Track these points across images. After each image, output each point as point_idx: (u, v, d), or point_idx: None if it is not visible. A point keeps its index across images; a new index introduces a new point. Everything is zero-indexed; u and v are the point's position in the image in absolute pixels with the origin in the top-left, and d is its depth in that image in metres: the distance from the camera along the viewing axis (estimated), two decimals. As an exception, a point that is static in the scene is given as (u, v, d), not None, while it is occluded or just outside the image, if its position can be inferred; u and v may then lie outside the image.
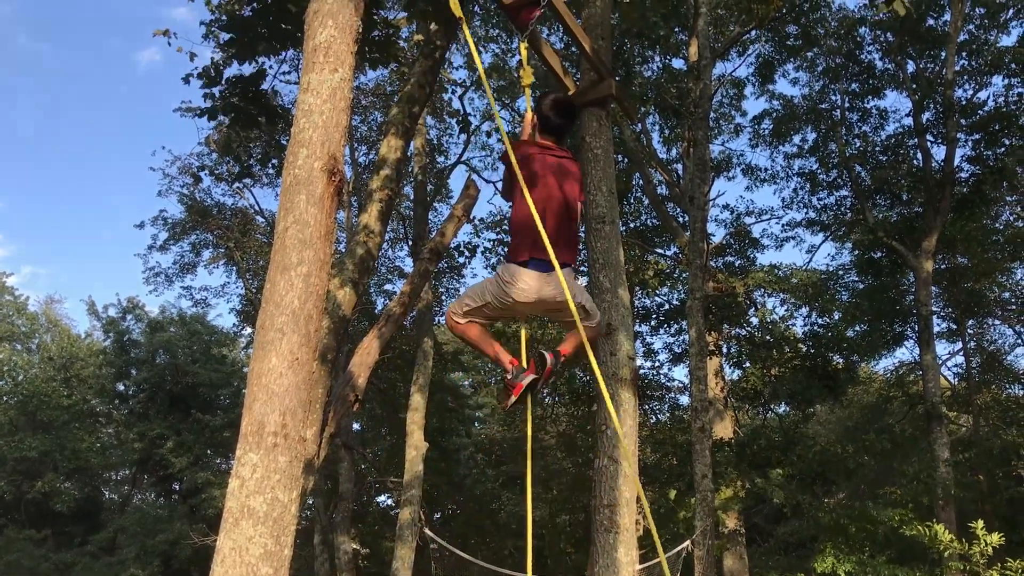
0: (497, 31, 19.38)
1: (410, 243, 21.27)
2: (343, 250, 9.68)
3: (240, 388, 30.57)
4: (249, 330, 24.80)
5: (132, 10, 62.19)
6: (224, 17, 8.37)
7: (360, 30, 3.84)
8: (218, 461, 30.07)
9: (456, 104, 21.19)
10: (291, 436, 3.01)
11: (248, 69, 8.47)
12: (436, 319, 22.16)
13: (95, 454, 29.92)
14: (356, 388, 7.54)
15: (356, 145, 22.38)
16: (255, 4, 7.89)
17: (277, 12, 7.85)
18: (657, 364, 22.61)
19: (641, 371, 21.12)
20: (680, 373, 34.32)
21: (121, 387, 31.35)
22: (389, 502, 28.35)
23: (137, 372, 30.59)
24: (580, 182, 4.49)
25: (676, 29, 18.99)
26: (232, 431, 27.27)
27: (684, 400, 22.05)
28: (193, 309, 29.46)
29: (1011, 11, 19.72)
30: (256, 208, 24.21)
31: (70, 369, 32.01)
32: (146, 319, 31.45)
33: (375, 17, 8.59)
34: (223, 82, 8.44)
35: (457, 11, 4.55)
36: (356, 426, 25.96)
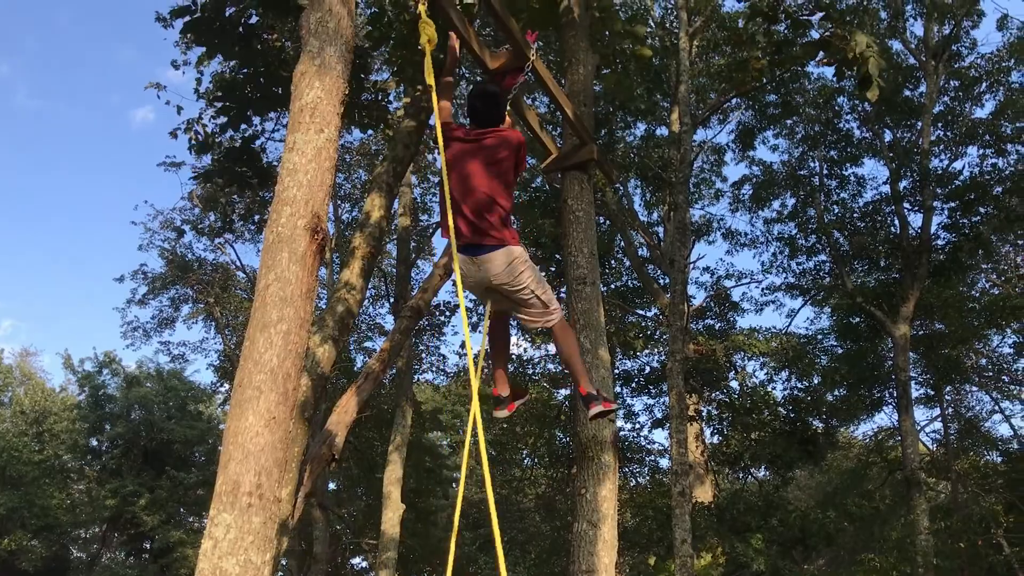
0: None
1: (391, 301, 21.26)
2: (324, 307, 9.66)
3: (216, 445, 30.16)
4: (227, 386, 24.58)
5: (129, 70, 63.05)
6: (218, 87, 8.52)
7: (347, 92, 3.89)
8: (191, 520, 29.53)
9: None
10: (266, 496, 2.97)
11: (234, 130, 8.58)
12: (415, 377, 22.05)
13: (64, 511, 29.32)
14: (333, 447, 7.46)
15: (339, 203, 22.49)
16: (246, 69, 8.01)
17: (268, 77, 7.97)
18: (638, 426, 22.51)
19: (621, 433, 21.03)
20: (660, 436, 34.21)
21: (94, 442, 30.86)
22: (364, 564, 27.89)
23: (111, 427, 30.14)
24: (507, 152, 4.54)
25: (657, 98, 19.32)
26: (206, 489, 26.83)
27: (664, 463, 21.93)
28: (170, 364, 29.16)
29: (984, 84, 20.23)
30: (237, 263, 24.21)
31: (42, 423, 31.51)
32: (122, 374, 31.10)
33: (364, 81, 8.73)
34: (217, 147, 8.55)
35: (429, 79, 4.60)
36: (332, 485, 25.63)
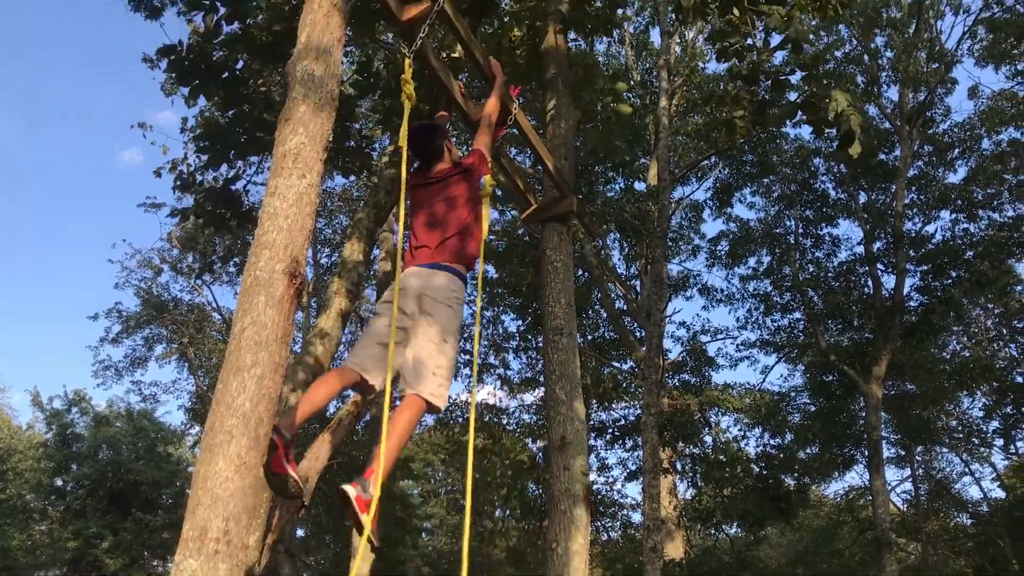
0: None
1: (367, 347, 21.13)
2: (299, 351, 9.61)
3: (184, 488, 29.68)
4: (197, 428, 24.29)
5: (118, 112, 63.27)
6: (201, 129, 8.59)
7: (331, 139, 3.92)
8: (155, 564, 28.91)
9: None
10: (233, 543, 2.93)
11: (215, 170, 8.62)
12: (389, 425, 21.83)
13: (24, 552, 28.65)
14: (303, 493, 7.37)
15: (319, 247, 22.51)
16: (231, 112, 8.07)
17: (253, 120, 8.02)
18: (611, 480, 22.40)
19: (595, 486, 20.92)
20: (634, 490, 34.01)
21: (59, 482, 30.25)
22: (330, 614, 27.34)
23: (78, 467, 29.59)
24: (464, 183, 4.59)
25: (638, 152, 19.58)
26: (172, 532, 26.34)
27: (636, 518, 21.79)
28: (141, 405, 28.81)
29: (957, 151, 20.67)
30: (213, 305, 24.08)
31: (7, 462, 30.89)
32: (92, 412, 30.64)
33: (349, 128, 8.81)
34: (199, 187, 8.58)
35: (402, 141, 4.52)
36: (300, 532, 25.25)
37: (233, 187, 8.77)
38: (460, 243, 4.39)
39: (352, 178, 18.51)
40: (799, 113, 7.59)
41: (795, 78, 7.77)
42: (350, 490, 3.70)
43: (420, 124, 4.88)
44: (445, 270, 4.29)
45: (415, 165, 4.82)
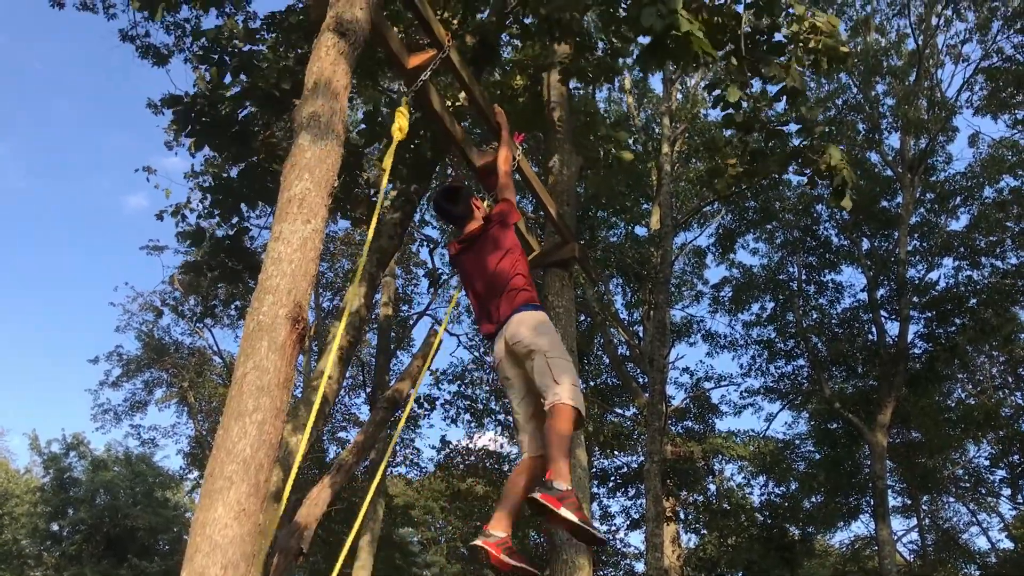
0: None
1: (368, 390, 21.10)
2: (299, 395, 9.57)
3: (181, 533, 29.41)
4: (196, 473, 24.12)
5: (125, 157, 63.84)
6: (209, 177, 8.64)
7: (336, 185, 3.93)
8: (150, 611, 28.48)
9: (424, 255, 21.55)
10: (231, 591, 2.89)
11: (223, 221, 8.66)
12: (389, 470, 21.70)
13: (18, 599, 28.30)
14: (302, 539, 7.29)
15: (321, 291, 22.52)
16: (241, 164, 8.13)
17: (261, 172, 8.08)
18: (613, 528, 22.15)
19: (596, 534, 20.65)
20: (636, 539, 33.65)
21: (55, 527, 29.96)
22: (328, 664, 26.90)
23: (74, 512, 29.32)
24: (496, 236, 4.56)
25: (639, 198, 19.67)
26: (168, 580, 26.05)
27: (639, 567, 21.50)
28: (140, 449, 28.63)
29: (959, 198, 20.74)
30: (214, 348, 24.04)
31: (3, 506, 30.63)
32: (90, 457, 30.44)
33: (357, 177, 8.86)
34: (208, 237, 8.60)
35: (387, 162, 4.60)
36: (299, 580, 24.93)
37: (243, 237, 8.79)
38: (515, 292, 4.42)
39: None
40: (792, 164, 7.67)
41: (790, 128, 7.85)
42: (536, 495, 3.71)
43: (443, 188, 4.93)
44: (513, 314, 4.34)
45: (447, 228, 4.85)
